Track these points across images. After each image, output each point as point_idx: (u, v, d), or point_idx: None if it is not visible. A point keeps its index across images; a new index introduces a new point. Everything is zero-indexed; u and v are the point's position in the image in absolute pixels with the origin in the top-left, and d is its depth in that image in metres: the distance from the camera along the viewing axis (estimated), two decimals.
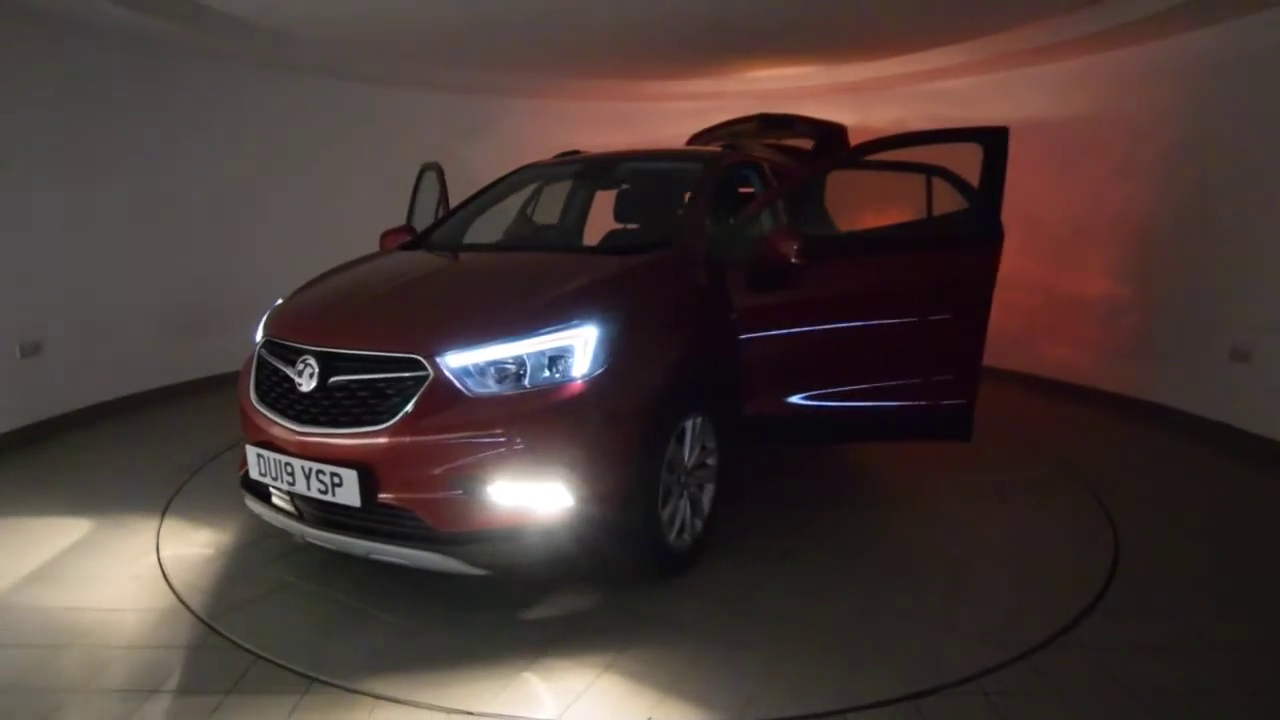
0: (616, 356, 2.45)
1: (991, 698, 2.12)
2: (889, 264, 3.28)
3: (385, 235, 3.90)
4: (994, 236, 3.15)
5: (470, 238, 3.70)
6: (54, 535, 3.14)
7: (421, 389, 2.30)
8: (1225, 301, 4.67)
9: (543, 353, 2.37)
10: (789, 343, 3.22)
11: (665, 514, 2.71)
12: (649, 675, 2.25)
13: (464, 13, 4.59)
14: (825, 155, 5.15)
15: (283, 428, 2.44)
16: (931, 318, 3.22)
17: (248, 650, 2.34)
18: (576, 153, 4.38)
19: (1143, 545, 3.15)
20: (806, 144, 5.25)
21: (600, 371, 2.41)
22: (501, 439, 2.29)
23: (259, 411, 2.54)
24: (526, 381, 2.36)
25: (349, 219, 5.43)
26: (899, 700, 2.12)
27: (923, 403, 3.30)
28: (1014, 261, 6.02)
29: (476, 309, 2.54)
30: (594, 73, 6.36)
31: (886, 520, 3.41)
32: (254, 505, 2.67)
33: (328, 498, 2.34)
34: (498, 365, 2.34)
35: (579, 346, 2.40)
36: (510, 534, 2.34)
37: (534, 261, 3.01)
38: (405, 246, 3.58)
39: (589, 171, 4.05)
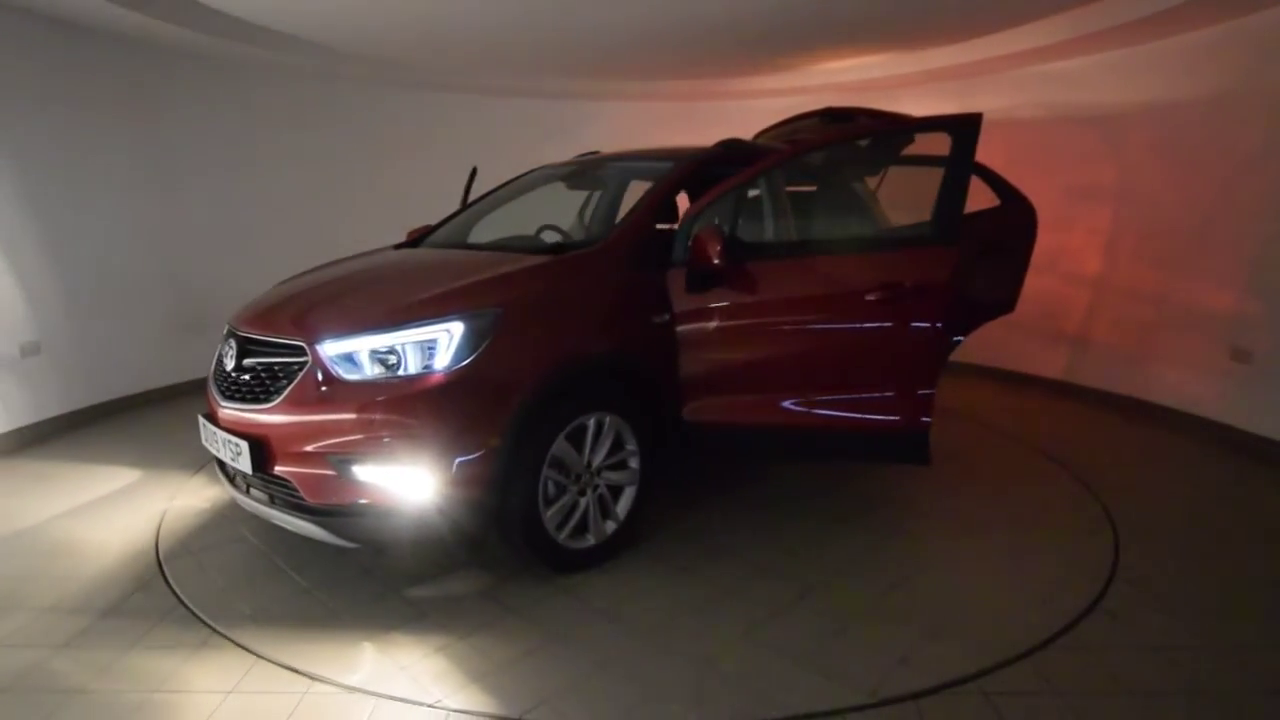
0: (485, 351, 2.54)
1: (991, 698, 2.13)
2: (826, 268, 3.03)
3: (409, 233, 4.26)
4: (948, 239, 2.80)
5: (477, 237, 3.92)
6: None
7: (302, 373, 2.55)
8: None
9: (409, 345, 2.52)
10: (724, 349, 3.09)
11: (552, 510, 2.75)
12: (471, 661, 2.32)
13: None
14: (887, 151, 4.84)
15: (215, 402, 2.81)
16: (874, 328, 2.92)
17: (204, 622, 2.60)
18: (596, 153, 4.47)
19: (1143, 545, 3.12)
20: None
21: (464, 364, 2.50)
22: (366, 423, 2.47)
23: (209, 388, 2.95)
24: (397, 371, 2.52)
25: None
26: (898, 701, 2.13)
27: (870, 420, 3.00)
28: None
29: (363, 303, 2.74)
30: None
31: (861, 526, 3.17)
32: (217, 471, 3.09)
33: (234, 464, 2.67)
34: (370, 355, 2.52)
35: (443, 340, 2.52)
36: (374, 511, 2.51)
37: (463, 261, 3.14)
38: (402, 245, 3.89)
39: (584, 172, 4.12)
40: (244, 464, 2.61)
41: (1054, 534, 3.26)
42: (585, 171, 4.06)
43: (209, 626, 2.52)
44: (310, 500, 2.54)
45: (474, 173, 4.94)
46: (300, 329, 2.63)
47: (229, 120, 5.72)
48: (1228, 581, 2.87)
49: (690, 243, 2.94)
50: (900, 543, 3.18)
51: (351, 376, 2.52)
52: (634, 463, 3.01)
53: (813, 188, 3.69)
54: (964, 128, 2.89)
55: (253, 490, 2.74)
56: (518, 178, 4.32)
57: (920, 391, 2.90)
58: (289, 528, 2.66)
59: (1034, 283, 5.88)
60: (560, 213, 4.49)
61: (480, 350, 2.54)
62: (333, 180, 6.39)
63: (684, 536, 3.19)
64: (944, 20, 4.89)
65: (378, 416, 2.46)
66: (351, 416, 2.48)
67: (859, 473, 3.89)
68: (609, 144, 5.02)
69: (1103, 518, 3.42)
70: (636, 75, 6.44)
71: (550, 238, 4.04)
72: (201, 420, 2.89)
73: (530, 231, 4.18)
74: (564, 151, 6.95)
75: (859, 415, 3.03)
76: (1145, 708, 2.12)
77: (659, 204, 3.23)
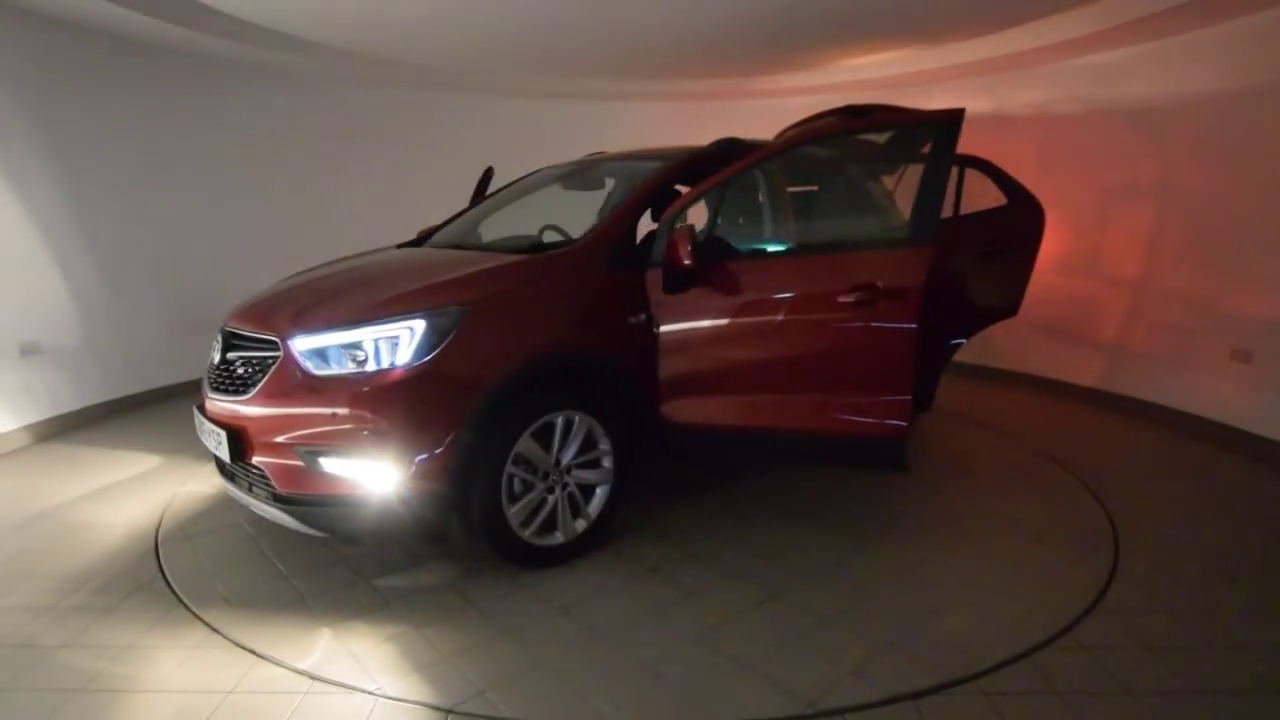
0: (447, 348, 2.59)
1: (991, 698, 2.13)
2: (800, 269, 2.97)
3: (419, 233, 4.37)
4: (922, 239, 2.71)
5: (479, 237, 3.99)
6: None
7: (274, 367, 2.65)
8: None
9: (374, 342, 2.58)
10: (701, 350, 3.07)
11: (517, 506, 2.78)
12: (419, 651, 2.37)
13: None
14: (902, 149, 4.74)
15: (204, 393, 2.95)
16: (847, 330, 2.84)
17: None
18: (603, 153, 4.49)
19: (1143, 545, 3.13)
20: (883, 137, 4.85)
21: (425, 361, 2.56)
22: (331, 416, 2.55)
23: (203, 381, 3.09)
24: (363, 367, 2.59)
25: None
26: (898, 700, 2.13)
27: (845, 424, 2.93)
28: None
29: (335, 300, 2.81)
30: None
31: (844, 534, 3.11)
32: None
33: (216, 452, 2.80)
34: (336, 350, 2.61)
35: (405, 338, 2.58)
36: (339, 501, 2.60)
37: (446, 260, 3.20)
38: (406, 244, 3.99)
39: (581, 172, 4.14)
40: (224, 453, 2.73)
41: (1054, 533, 3.22)
42: (583, 172, 4.08)
43: (182, 603, 2.65)
44: (281, 489, 2.64)
45: (489, 172, 5.03)
46: (274, 325, 2.73)
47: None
48: (1228, 581, 2.85)
49: (666, 243, 2.94)
50: (878, 550, 3.08)
51: (320, 371, 2.60)
52: (607, 462, 3.02)
53: (793, 188, 3.62)
54: (944, 125, 2.79)
55: (236, 479, 2.87)
56: (522, 178, 4.38)
57: (894, 396, 2.81)
58: (265, 516, 2.77)
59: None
60: (565, 213, 4.53)
61: (442, 347, 2.59)
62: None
63: (658, 537, 3.18)
64: (967, 11, 4.72)
65: (341, 410, 2.54)
66: (317, 410, 2.56)
67: (854, 474, 3.80)
68: (633, 144, 5.05)
69: (1103, 517, 3.38)
70: (660, 75, 6.45)
71: (551, 238, 4.09)
72: (195, 411, 3.04)
73: (534, 231, 4.24)
74: (587, 152, 7.00)
75: (834, 419, 2.95)
76: (1145, 708, 2.11)
77: (639, 204, 3.23)
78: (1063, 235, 5.74)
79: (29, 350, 4.47)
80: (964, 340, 4.32)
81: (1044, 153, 5.79)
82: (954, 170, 4.40)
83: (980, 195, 4.27)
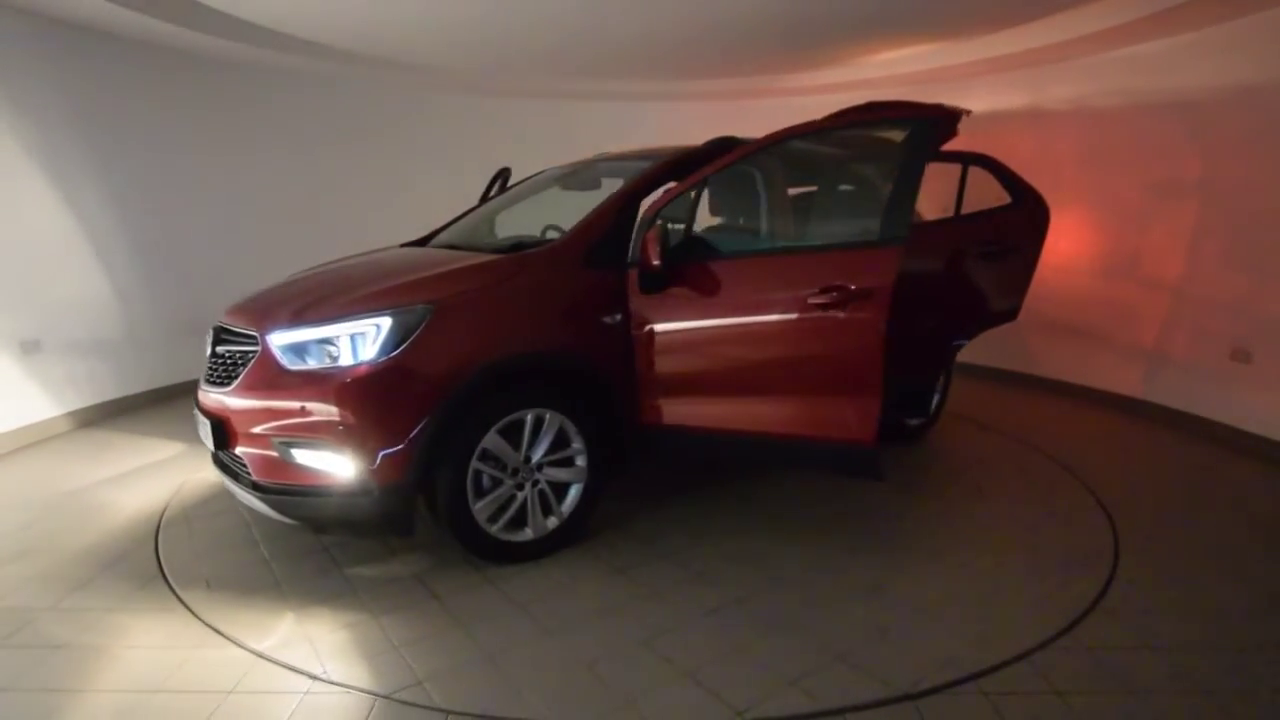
0: (412, 345, 2.65)
1: (991, 698, 2.14)
2: (772, 270, 2.91)
3: (431, 232, 4.48)
4: (891, 239, 2.62)
5: (480, 237, 4.06)
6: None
7: (253, 361, 2.77)
8: None
9: (342, 338, 2.66)
10: (675, 351, 3.05)
11: (485, 502, 2.83)
12: (372, 639, 2.44)
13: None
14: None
15: (200, 386, 3.11)
16: (817, 332, 2.77)
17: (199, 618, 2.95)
18: (606, 154, 4.51)
19: (1143, 545, 3.12)
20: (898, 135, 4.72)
21: (390, 357, 2.62)
22: (301, 409, 2.65)
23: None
24: (334, 362, 2.68)
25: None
26: (898, 701, 2.12)
27: (816, 429, 2.86)
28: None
29: (311, 298, 2.91)
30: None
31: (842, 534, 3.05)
32: None
33: (205, 442, 2.95)
34: (307, 346, 2.70)
35: (371, 334, 2.65)
36: (310, 492, 2.69)
37: (428, 259, 3.26)
38: (411, 243, 4.10)
39: (580, 173, 4.16)
40: (210, 442, 2.87)
41: (1054, 533, 3.21)
42: (581, 172, 4.11)
43: (166, 582, 2.81)
44: (259, 479, 2.76)
45: (505, 173, 5.10)
46: (255, 321, 2.86)
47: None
48: (1228, 581, 2.84)
49: (639, 244, 2.94)
50: (862, 557, 2.99)
51: (293, 366, 2.70)
52: (580, 461, 3.04)
53: (769, 187, 3.54)
54: (920, 120, 2.70)
55: (226, 468, 3.01)
56: (528, 178, 4.44)
57: (864, 401, 2.73)
58: (246, 503, 2.90)
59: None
60: (571, 212, 4.57)
61: (407, 344, 2.65)
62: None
63: (636, 537, 3.18)
64: (989, 4, 4.54)
65: (311, 404, 2.63)
66: (290, 403, 2.67)
67: (851, 480, 3.71)
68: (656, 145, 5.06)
69: (1102, 517, 3.38)
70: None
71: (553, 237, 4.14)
72: (195, 403, 3.20)
73: (536, 231, 4.29)
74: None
75: (806, 423, 2.89)
76: (1145, 708, 2.11)
77: (621, 204, 3.22)
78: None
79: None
80: (965, 341, 4.17)
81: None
82: (959, 169, 4.26)
83: (995, 193, 4.11)
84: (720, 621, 2.56)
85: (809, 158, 3.60)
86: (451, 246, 3.74)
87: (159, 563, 2.97)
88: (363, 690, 2.18)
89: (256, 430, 2.73)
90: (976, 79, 6.04)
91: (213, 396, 2.90)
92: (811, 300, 2.77)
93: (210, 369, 3.00)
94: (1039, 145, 5.76)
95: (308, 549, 3.07)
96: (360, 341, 2.66)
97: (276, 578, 2.85)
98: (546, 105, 7.28)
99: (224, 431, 2.82)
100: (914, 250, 3.75)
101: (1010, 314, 4.22)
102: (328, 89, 6.39)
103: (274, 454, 2.72)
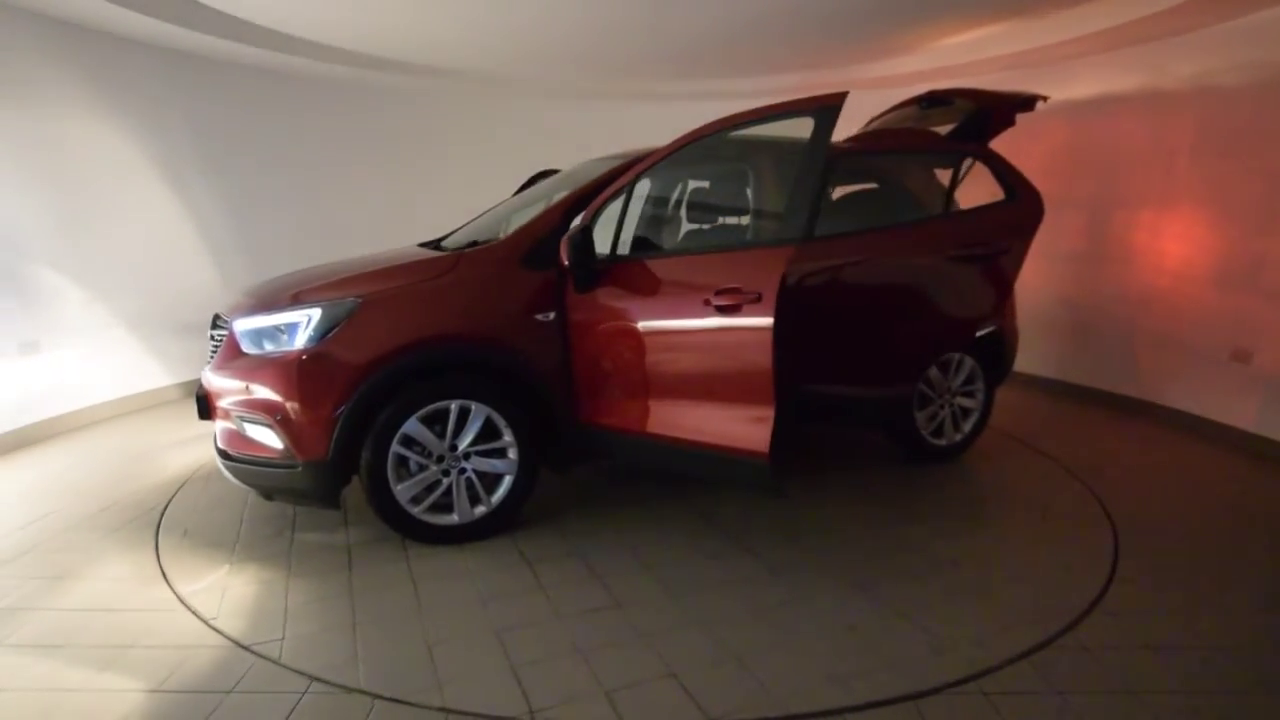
0: (338, 335, 2.89)
1: (991, 698, 2.15)
2: (678, 271, 2.81)
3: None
4: (787, 238, 2.44)
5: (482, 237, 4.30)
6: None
7: (224, 344, 3.17)
8: None
9: (281, 327, 2.97)
10: (597, 351, 3.07)
11: (408, 484, 3.01)
12: (273, 597, 2.71)
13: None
14: (962, 138, 4.29)
15: None
16: (714, 336, 2.64)
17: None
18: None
19: (1142, 545, 3.13)
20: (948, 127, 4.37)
21: (317, 345, 2.89)
22: (247, 388, 3.00)
23: None
24: (276, 349, 2.99)
25: None
26: (898, 701, 2.14)
27: (716, 438, 2.73)
28: None
29: (272, 291, 3.24)
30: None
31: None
32: None
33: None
34: (258, 333, 3.03)
35: (304, 324, 2.93)
36: (255, 461, 3.03)
37: (393, 256, 3.45)
38: (427, 243, 4.41)
39: (577, 173, 4.22)
40: (197, 413, 3.32)
41: (1054, 533, 3.23)
42: (579, 173, 4.18)
43: (156, 528, 3.29)
44: (223, 446, 3.16)
45: (546, 174, 5.29)
46: (231, 310, 3.26)
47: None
48: (1228, 581, 2.84)
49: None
50: (846, 557, 2.85)
51: (249, 350, 3.06)
52: (512, 453, 3.14)
53: (691, 188, 3.41)
54: (824, 111, 2.49)
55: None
56: (532, 179, 4.62)
57: (758, 410, 2.58)
58: (220, 467, 3.32)
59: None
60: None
61: (333, 334, 2.90)
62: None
63: (565, 532, 3.22)
64: None
65: (253, 384, 2.96)
66: (242, 383, 3.02)
67: (841, 481, 3.50)
68: None
69: (1102, 517, 3.40)
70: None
71: None
72: None
73: None
74: None
75: (713, 431, 2.77)
76: (1145, 708, 2.11)
77: (567, 207, 3.27)
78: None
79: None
80: (957, 354, 3.77)
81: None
82: (953, 162, 3.87)
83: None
84: (580, 622, 2.54)
85: (733, 157, 3.45)
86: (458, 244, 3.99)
87: (162, 512, 3.48)
88: (234, 640, 2.44)
89: (222, 404, 3.12)
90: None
91: (204, 374, 3.35)
92: (714, 303, 2.67)
93: (211, 351, 3.46)
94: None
95: (280, 516, 3.43)
96: (295, 331, 2.95)
97: (239, 536, 3.23)
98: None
99: (206, 404, 3.25)
100: (877, 253, 3.51)
101: (987, 321, 3.80)
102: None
103: (233, 426, 3.10)
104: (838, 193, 3.75)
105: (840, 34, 5.18)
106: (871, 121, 4.94)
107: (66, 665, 2.31)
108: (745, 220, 3.31)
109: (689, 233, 3.35)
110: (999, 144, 4.02)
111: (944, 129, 4.32)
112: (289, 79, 6.14)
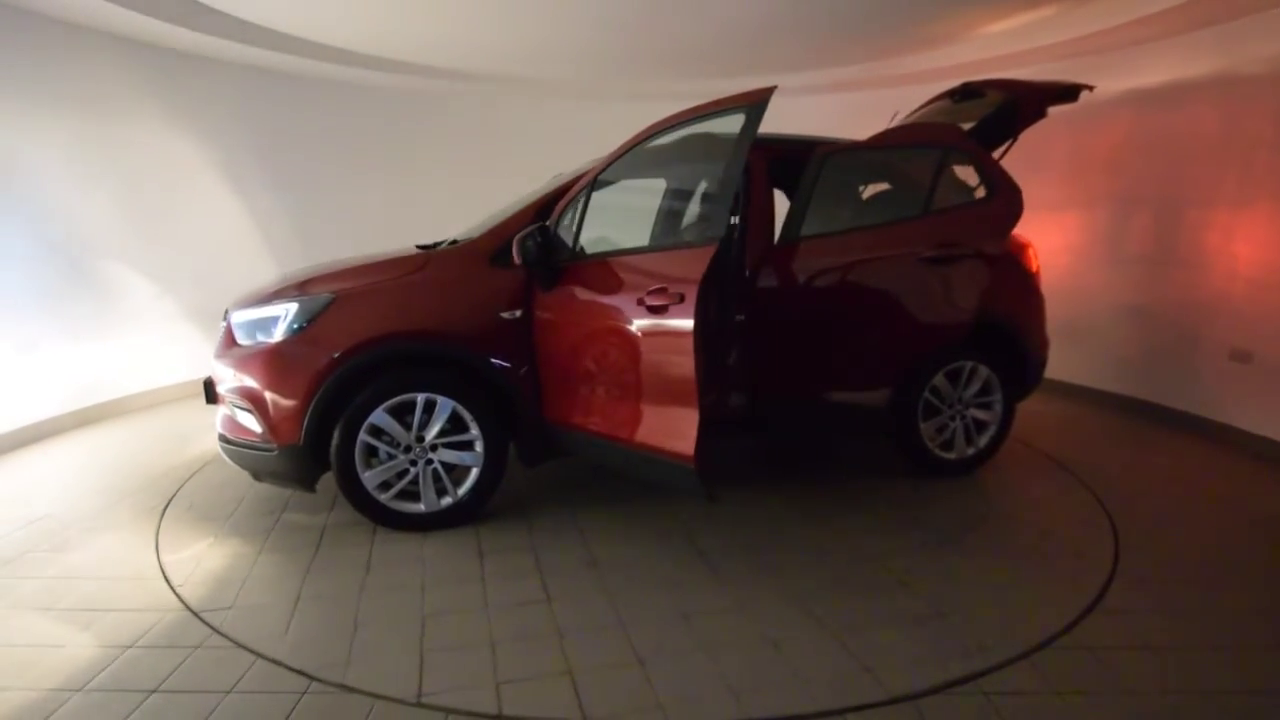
0: (310, 329, 3.06)
1: (991, 698, 2.16)
2: (619, 272, 2.78)
3: None
4: (708, 237, 2.37)
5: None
6: None
7: (223, 335, 3.42)
8: None
9: (262, 320, 3.18)
10: (554, 349, 3.12)
11: (374, 471, 3.15)
12: (238, 569, 2.89)
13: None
14: (989, 132, 4.10)
15: None
16: (645, 336, 2.60)
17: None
18: None
19: (1143, 545, 3.14)
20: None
21: (291, 338, 3.08)
22: (235, 376, 3.22)
23: None
24: (259, 340, 3.20)
25: None
26: (896, 701, 2.16)
27: (647, 439, 2.68)
28: None
29: (263, 288, 3.45)
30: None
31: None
32: None
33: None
34: (246, 325, 3.25)
35: (281, 318, 3.12)
36: (243, 444, 3.26)
37: (379, 255, 3.58)
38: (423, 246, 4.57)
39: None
40: (205, 397, 3.59)
41: (1054, 533, 3.24)
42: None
43: (167, 501, 3.58)
44: (220, 429, 3.41)
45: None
46: (232, 304, 3.51)
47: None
48: (1228, 581, 2.84)
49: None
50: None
51: (240, 341, 3.29)
52: (479, 447, 3.22)
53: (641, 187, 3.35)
54: (753, 108, 2.41)
55: None
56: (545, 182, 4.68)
57: (683, 411, 2.52)
58: (219, 450, 3.57)
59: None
60: None
61: (306, 328, 3.08)
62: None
63: (532, 528, 3.26)
64: None
65: (240, 373, 3.19)
66: (233, 371, 3.25)
67: (835, 483, 3.37)
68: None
69: (1103, 517, 3.40)
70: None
71: None
72: None
73: None
74: None
75: (648, 432, 2.74)
76: (1145, 708, 2.12)
77: (538, 208, 3.32)
78: None
79: None
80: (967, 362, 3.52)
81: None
82: (939, 161, 3.64)
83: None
84: (513, 616, 2.56)
85: (680, 158, 3.37)
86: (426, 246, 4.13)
87: (179, 488, 3.79)
88: (190, 609, 2.62)
89: (220, 390, 3.37)
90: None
91: (211, 362, 3.63)
92: (647, 303, 2.64)
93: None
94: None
95: (277, 497, 3.64)
96: (275, 324, 3.15)
97: (232, 512, 3.48)
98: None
99: (211, 389, 3.52)
100: (844, 254, 3.36)
101: (964, 326, 3.55)
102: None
103: (227, 411, 3.34)
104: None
105: (862, 26, 4.95)
106: (898, 115, 4.72)
107: (52, 623, 2.55)
108: (685, 220, 3.25)
109: (643, 233, 3.33)
110: (1052, 140, 3.75)
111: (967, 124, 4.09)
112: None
